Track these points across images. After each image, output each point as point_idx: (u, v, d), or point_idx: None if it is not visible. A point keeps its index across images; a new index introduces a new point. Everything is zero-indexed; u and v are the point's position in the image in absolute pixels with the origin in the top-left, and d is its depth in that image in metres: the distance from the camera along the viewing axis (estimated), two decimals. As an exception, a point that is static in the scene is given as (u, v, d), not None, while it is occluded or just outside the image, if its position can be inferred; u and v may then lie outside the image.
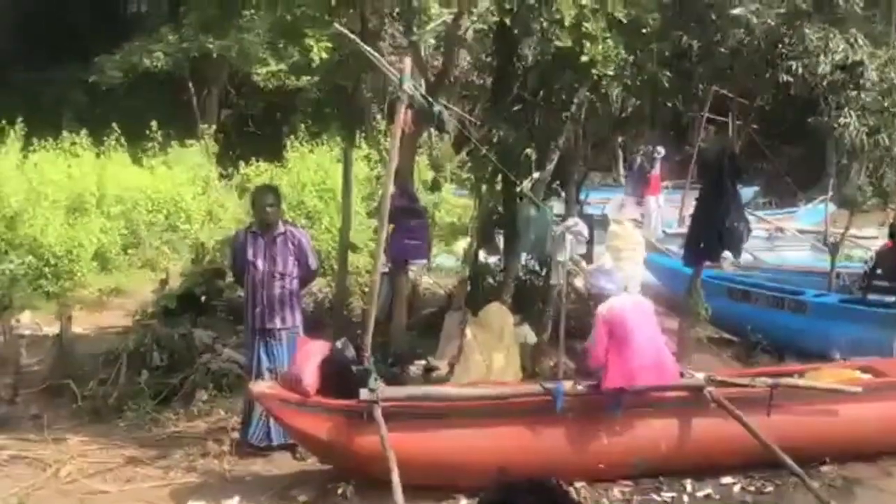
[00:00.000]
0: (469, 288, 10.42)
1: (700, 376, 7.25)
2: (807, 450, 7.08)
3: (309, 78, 14.62)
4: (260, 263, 7.69)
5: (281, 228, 7.81)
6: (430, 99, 7.84)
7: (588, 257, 10.06)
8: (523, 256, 10.47)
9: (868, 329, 9.70)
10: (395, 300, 9.63)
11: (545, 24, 8.31)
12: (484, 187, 10.45)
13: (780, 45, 8.93)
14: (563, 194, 10.54)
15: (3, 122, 16.10)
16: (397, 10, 9.05)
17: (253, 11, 10.30)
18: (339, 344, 6.93)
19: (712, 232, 9.15)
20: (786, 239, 16.42)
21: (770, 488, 7.12)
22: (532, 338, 9.45)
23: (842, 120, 9.50)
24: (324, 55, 7.96)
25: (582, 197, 11.15)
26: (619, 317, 7.07)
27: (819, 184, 20.19)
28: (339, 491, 6.77)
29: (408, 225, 9.23)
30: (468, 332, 8.91)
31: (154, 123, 18.33)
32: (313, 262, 8.04)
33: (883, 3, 12.25)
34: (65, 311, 10.35)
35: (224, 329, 10.03)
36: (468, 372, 8.51)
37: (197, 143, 19.88)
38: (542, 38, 8.83)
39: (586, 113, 10.00)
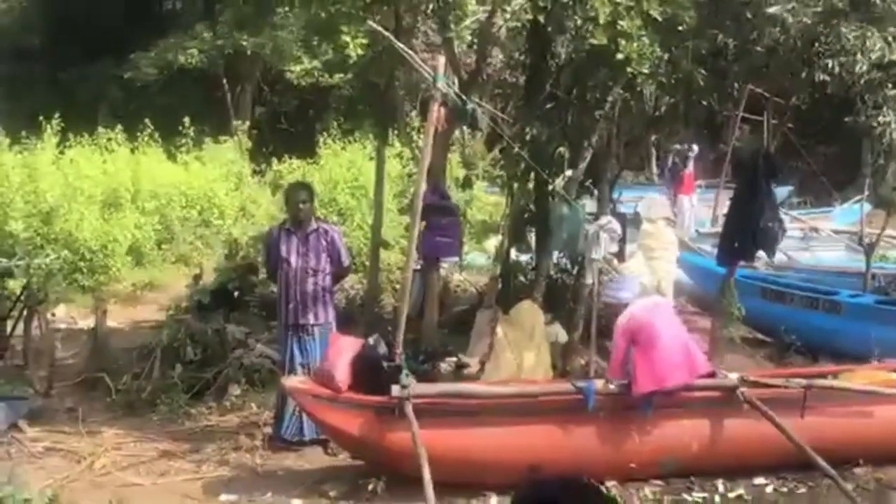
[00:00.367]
0: (500, 286, 10.42)
1: (733, 376, 7.22)
2: (840, 451, 7.02)
3: (342, 75, 14.70)
4: (293, 260, 7.75)
5: (314, 225, 7.87)
6: (464, 97, 7.85)
7: (620, 256, 10.01)
8: (555, 255, 10.44)
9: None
10: (426, 297, 9.65)
11: (579, 22, 8.27)
12: (516, 185, 10.43)
13: (816, 44, 8.84)
14: (595, 193, 10.50)
15: (40, 118, 16.27)
16: (432, 7, 9.03)
17: (287, 9, 10.31)
18: (371, 340, 6.96)
19: (746, 232, 9.07)
20: (820, 239, 16.26)
21: (803, 490, 7.09)
22: (563, 336, 9.43)
23: (879, 119, 9.42)
24: (359, 52, 7.97)
25: (615, 195, 11.09)
26: (640, 322, 7.04)
27: (854, 183, 20.01)
28: (370, 487, 6.79)
29: (440, 222, 9.24)
30: (499, 330, 8.90)
31: (188, 120, 18.47)
32: (346, 259, 8.09)
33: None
34: (100, 305, 10.47)
35: (256, 324, 10.10)
36: (499, 370, 8.52)
37: (230, 139, 20.01)
38: (576, 36, 8.79)
39: (620, 111, 9.95)
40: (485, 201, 17.48)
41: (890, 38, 8.95)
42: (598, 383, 7.02)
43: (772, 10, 8.47)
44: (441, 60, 7.20)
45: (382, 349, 6.90)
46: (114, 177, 15.69)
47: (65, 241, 13.22)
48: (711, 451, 7.05)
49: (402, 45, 7.32)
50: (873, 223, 14.29)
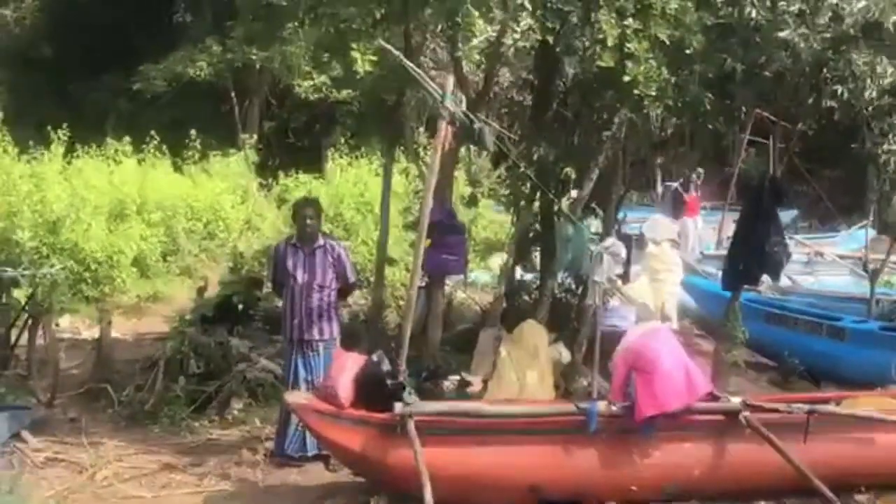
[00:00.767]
0: (504, 305, 10.44)
1: (736, 401, 7.20)
2: (843, 477, 7.00)
3: (350, 91, 14.76)
4: (300, 275, 7.76)
5: (320, 241, 7.89)
6: (472, 116, 7.87)
7: (625, 278, 10.04)
8: (559, 275, 10.46)
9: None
10: (430, 315, 9.67)
11: (587, 44, 8.31)
12: (521, 204, 10.46)
13: (825, 70, 8.88)
14: (601, 213, 10.53)
15: (49, 128, 16.35)
16: (441, 26, 9.08)
17: (297, 24, 10.35)
18: (374, 357, 6.95)
19: (751, 255, 9.08)
20: (825, 264, 16.27)
21: (804, 516, 7.06)
22: (566, 357, 9.43)
23: (885, 146, 9.44)
24: (367, 68, 8.00)
25: (620, 216, 11.12)
26: (637, 350, 7.02)
27: (859, 208, 20.04)
28: (371, 504, 6.80)
29: (445, 240, 9.27)
30: (502, 349, 8.91)
31: (196, 132, 18.54)
32: (352, 276, 8.11)
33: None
34: (104, 316, 10.48)
35: (260, 338, 10.10)
36: (501, 389, 8.52)
37: (237, 152, 20.08)
38: (583, 58, 8.83)
39: (626, 132, 9.99)
40: (490, 219, 17.51)
41: (900, 65, 9.00)
42: (601, 405, 7.00)
43: (782, 35, 8.50)
44: (449, 80, 7.21)
45: (386, 366, 6.89)
46: (120, 188, 15.74)
47: (70, 251, 13.25)
48: (713, 476, 7.02)
49: (411, 64, 7.34)
50: (878, 249, 14.31)
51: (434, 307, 9.69)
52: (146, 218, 15.40)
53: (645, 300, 11.26)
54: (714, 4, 8.58)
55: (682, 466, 6.99)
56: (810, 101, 9.13)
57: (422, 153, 11.84)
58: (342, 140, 20.05)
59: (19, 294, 10.25)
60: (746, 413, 7.05)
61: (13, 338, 9.91)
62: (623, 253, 8.79)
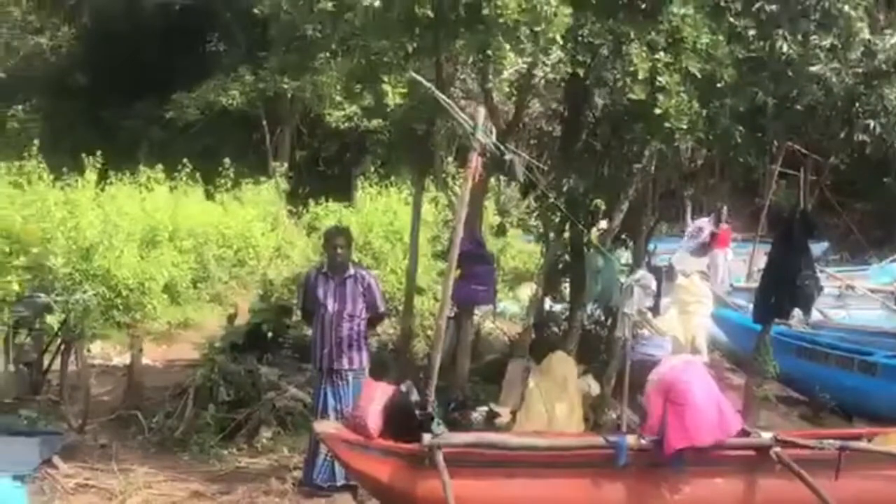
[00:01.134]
0: (533, 336, 10.42)
1: (767, 436, 7.14)
2: (874, 516, 6.94)
3: (380, 121, 14.91)
4: (330, 304, 7.81)
5: (351, 271, 7.94)
6: (502, 148, 7.92)
7: (655, 310, 9.99)
8: (589, 306, 10.44)
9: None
10: (459, 345, 9.67)
11: (618, 76, 8.34)
12: (551, 235, 10.47)
13: (857, 104, 8.85)
14: (631, 245, 10.51)
15: (82, 155, 16.56)
16: (472, 59, 9.15)
17: (329, 54, 10.48)
18: (403, 387, 6.96)
19: (783, 289, 9.04)
20: (856, 297, 16.11)
21: (836, 554, 6.96)
22: (595, 389, 9.40)
23: (918, 181, 9.39)
24: (397, 100, 8.09)
25: (650, 248, 11.10)
26: (671, 381, 6.99)
27: (891, 241, 19.86)
28: (399, 534, 6.78)
29: (474, 270, 9.27)
30: (531, 380, 8.91)
31: (227, 160, 18.72)
32: (382, 305, 8.14)
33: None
34: (135, 343, 10.56)
35: (289, 367, 10.15)
36: (530, 421, 8.51)
37: (268, 180, 20.24)
38: (614, 90, 8.87)
39: (657, 164, 9.99)
40: (519, 249, 17.51)
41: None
42: (630, 438, 6.97)
43: (814, 69, 8.50)
44: (481, 111, 7.28)
45: (415, 396, 6.89)
46: (152, 215, 15.89)
47: (103, 277, 13.36)
48: (744, 512, 6.97)
49: (442, 96, 7.41)
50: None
51: (463, 337, 9.69)
52: (177, 245, 15.53)
53: (675, 332, 11.20)
54: (745, 38, 8.58)
55: (711, 502, 6.94)
56: (842, 134, 9.07)
57: (451, 182, 11.90)
58: (372, 169, 20.18)
59: (52, 320, 10.34)
60: (777, 449, 6.98)
61: (46, 363, 10.01)
62: (653, 285, 8.74)
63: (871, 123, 8.70)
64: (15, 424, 8.90)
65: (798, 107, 8.78)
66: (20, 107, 24.33)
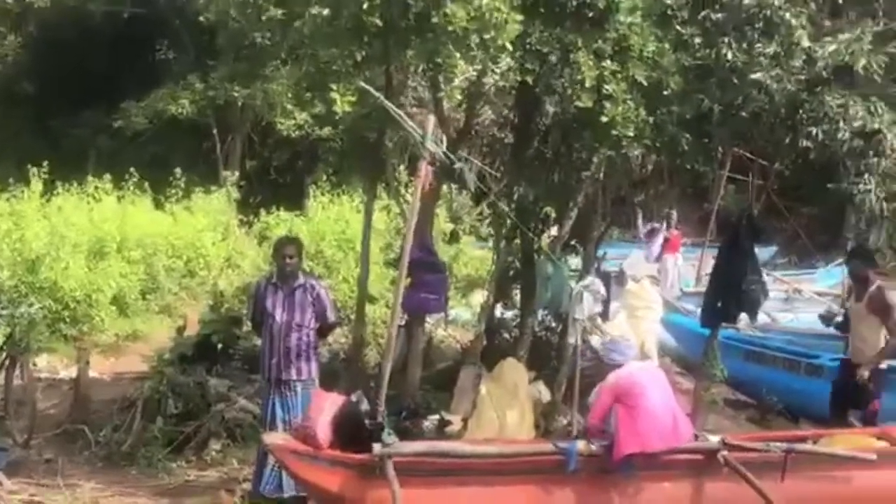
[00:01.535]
0: (484, 343, 10.44)
1: (714, 440, 7.22)
2: (821, 517, 7.04)
3: (332, 129, 14.87)
4: (279, 315, 7.74)
5: (300, 280, 7.88)
6: (452, 157, 7.94)
7: (605, 316, 10.05)
8: (540, 312, 10.48)
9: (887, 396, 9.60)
10: (410, 353, 9.65)
11: (566, 85, 8.40)
12: (502, 242, 10.50)
13: (800, 111, 8.99)
14: (581, 251, 10.57)
15: (29, 165, 16.31)
16: (422, 67, 9.14)
17: (280, 63, 10.43)
18: (354, 397, 6.94)
19: (730, 293, 9.15)
20: (803, 300, 16.36)
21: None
22: (546, 395, 9.43)
23: (861, 186, 9.55)
24: (346, 108, 8.06)
25: (600, 254, 11.17)
26: (628, 384, 7.05)
27: (837, 245, 20.18)
28: (349, 545, 6.74)
29: (425, 279, 9.26)
30: (482, 387, 8.91)
31: (178, 170, 18.53)
32: (332, 315, 8.07)
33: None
34: (82, 356, 10.40)
35: (239, 378, 10.04)
36: (481, 428, 8.50)
37: (219, 189, 20.07)
38: (563, 98, 8.92)
39: (606, 171, 10.05)
40: (471, 256, 17.52)
41: (872, 108, 9.12)
42: (580, 444, 7.00)
43: (755, 76, 8.62)
44: (430, 120, 7.28)
45: (365, 406, 6.87)
46: (100, 226, 15.68)
47: (49, 290, 13.16)
48: (693, 515, 7.03)
49: (391, 105, 7.40)
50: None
51: (414, 346, 9.67)
52: (126, 256, 15.34)
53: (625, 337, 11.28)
54: (691, 46, 8.69)
55: (661, 506, 6.99)
56: (786, 140, 9.21)
57: (403, 191, 11.89)
58: (324, 177, 20.07)
59: (-4, 334, 10.17)
60: (725, 452, 7.06)
61: (-10, 377, 9.83)
62: (603, 291, 8.82)
63: (814, 130, 8.85)
64: (-42, 440, 8.75)
65: (743, 113, 8.90)
66: (-36, 116, 23.90)
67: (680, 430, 7.06)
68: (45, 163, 16.35)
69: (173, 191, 18.48)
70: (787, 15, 8.59)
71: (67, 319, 13.26)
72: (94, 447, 8.99)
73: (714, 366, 9.46)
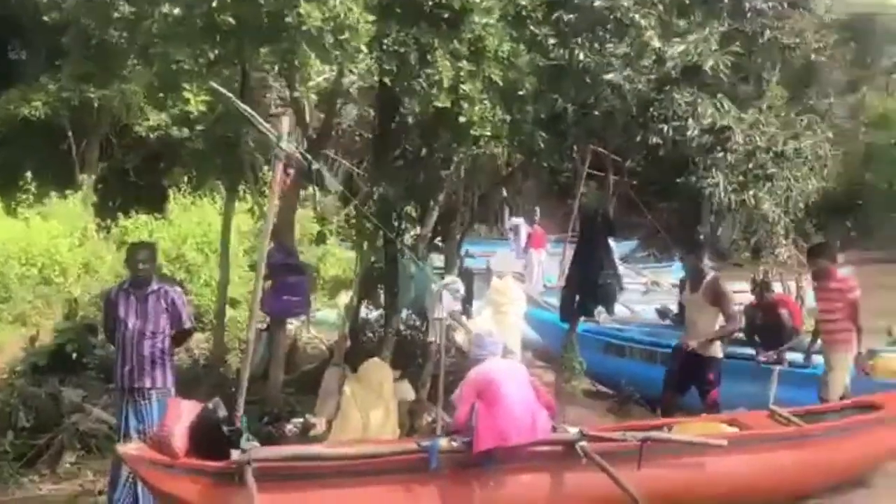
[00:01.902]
0: (349, 343, 10.40)
1: (572, 431, 7.37)
2: (676, 503, 7.25)
3: (189, 130, 14.57)
4: (131, 322, 7.50)
5: (154, 286, 7.65)
6: (309, 158, 7.87)
7: (466, 313, 10.15)
8: (404, 312, 10.50)
9: (741, 383, 9.96)
10: (272, 357, 9.53)
11: (424, 85, 8.44)
12: (365, 243, 10.48)
13: (651, 109, 9.28)
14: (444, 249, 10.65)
15: None
16: (278, 67, 9.04)
17: (133, 63, 10.13)
18: (210, 404, 6.79)
19: (586, 288, 9.37)
20: (662, 292, 16.88)
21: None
22: (411, 394, 9.46)
23: (710, 180, 9.92)
24: (202, 108, 7.90)
25: (463, 252, 11.27)
26: (487, 379, 7.16)
27: (693, 239, 20.86)
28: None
29: (286, 281, 9.18)
30: (347, 388, 8.86)
31: (30, 173, 17.82)
32: (187, 321, 7.86)
33: (752, 71, 12.89)
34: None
35: (95, 388, 9.72)
36: (345, 429, 8.46)
37: (75, 193, 19.39)
38: (421, 98, 8.95)
39: (468, 169, 10.15)
40: (339, 256, 17.43)
41: (720, 105, 9.50)
42: (442, 441, 7.05)
43: (608, 76, 8.86)
44: (284, 120, 7.20)
45: (223, 412, 6.74)
46: (-53, 234, 14.96)
47: None
48: (554, 507, 7.16)
49: (244, 106, 7.27)
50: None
51: (276, 349, 9.56)
52: (-25, 265, 14.66)
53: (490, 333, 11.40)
54: (545, 47, 8.85)
55: (521, 499, 7.10)
56: (638, 138, 9.51)
57: (266, 191, 11.73)
58: (185, 179, 19.59)
59: None
60: (583, 443, 7.22)
61: None
62: (462, 289, 8.88)
63: (665, 127, 9.15)
64: None
65: (596, 112, 9.14)
66: None
67: (538, 423, 7.19)
68: None
69: (24, 196, 17.74)
70: (637, 16, 8.86)
71: None
72: (-61, 464, 8.56)
73: (573, 358, 9.67)
